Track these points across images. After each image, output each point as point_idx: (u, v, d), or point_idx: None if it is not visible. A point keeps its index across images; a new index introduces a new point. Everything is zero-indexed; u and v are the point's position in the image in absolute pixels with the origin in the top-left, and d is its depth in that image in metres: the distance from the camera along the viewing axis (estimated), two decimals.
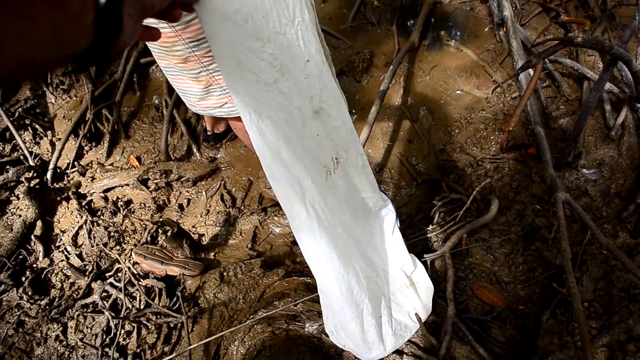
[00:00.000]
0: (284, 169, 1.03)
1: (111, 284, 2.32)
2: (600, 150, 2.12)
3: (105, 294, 2.32)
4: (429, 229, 2.03)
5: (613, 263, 1.68)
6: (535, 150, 2.18)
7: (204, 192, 2.66)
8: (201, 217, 2.60)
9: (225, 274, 2.22)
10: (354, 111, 2.69)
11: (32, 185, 2.69)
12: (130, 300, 2.27)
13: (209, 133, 2.68)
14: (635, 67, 1.71)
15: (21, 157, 2.84)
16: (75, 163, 2.84)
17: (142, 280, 2.30)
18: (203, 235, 2.51)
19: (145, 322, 2.16)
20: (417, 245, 2.05)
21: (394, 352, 1.71)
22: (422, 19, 2.79)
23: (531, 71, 2.26)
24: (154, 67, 3.06)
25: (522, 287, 1.76)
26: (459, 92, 2.61)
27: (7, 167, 2.81)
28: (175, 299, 2.16)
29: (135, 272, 2.34)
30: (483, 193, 2.08)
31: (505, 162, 2.22)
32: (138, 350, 2.16)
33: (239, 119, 1.05)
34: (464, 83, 2.63)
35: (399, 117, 2.62)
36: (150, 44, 1.24)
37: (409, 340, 1.71)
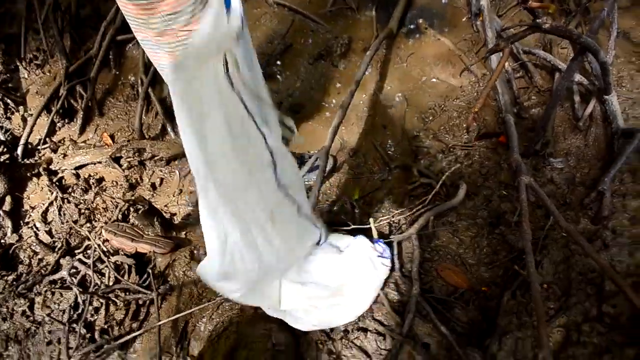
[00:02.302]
0: None
1: (80, 260, 2.31)
2: (567, 140, 2.16)
3: (74, 270, 2.31)
4: (397, 212, 2.05)
5: (573, 247, 1.72)
6: (505, 138, 2.21)
7: (177, 172, 2.66)
8: (173, 196, 2.59)
9: (195, 252, 2.23)
10: (331, 95, 2.70)
11: (1, 160, 2.65)
12: (99, 276, 2.27)
13: None
14: (602, 58, 1.75)
15: None
16: (47, 139, 2.81)
17: (111, 257, 2.29)
18: (175, 214, 2.51)
19: (114, 298, 2.16)
20: (385, 227, 2.08)
21: (358, 330, 1.74)
22: (402, 6, 2.81)
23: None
24: (130, 45, 3.04)
25: (486, 270, 1.80)
26: (434, 80, 2.64)
27: None
28: (145, 275, 2.16)
29: (105, 249, 2.33)
30: (452, 179, 2.11)
31: (476, 150, 2.26)
32: (106, 327, 2.16)
33: None
34: (440, 71, 2.66)
35: (374, 103, 2.64)
36: (127, 16, 1.23)
37: (372, 318, 1.74)
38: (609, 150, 2.03)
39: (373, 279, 1.85)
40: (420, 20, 2.83)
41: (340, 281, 1.83)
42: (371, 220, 1.96)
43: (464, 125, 2.36)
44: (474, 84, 2.57)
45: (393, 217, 2.01)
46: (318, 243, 1.78)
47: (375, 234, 1.91)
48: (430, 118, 2.54)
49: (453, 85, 2.60)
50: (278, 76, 2.85)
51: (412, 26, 2.84)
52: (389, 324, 1.74)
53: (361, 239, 1.92)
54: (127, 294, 2.19)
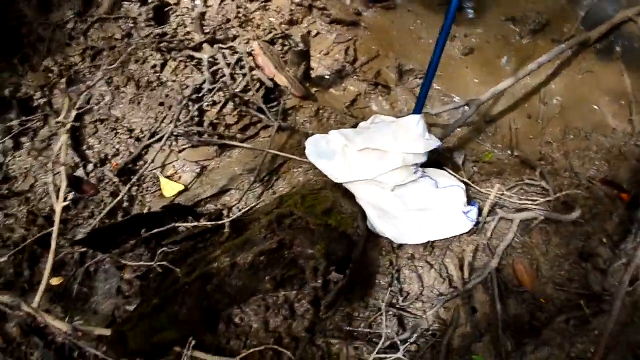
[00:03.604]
0: None
1: (223, 55, 2.43)
2: None
3: (212, 59, 2.43)
4: (505, 192, 2.15)
5: (636, 320, 1.84)
6: (628, 197, 2.28)
7: (334, 35, 2.73)
8: (319, 54, 2.69)
9: (321, 111, 2.35)
10: (501, 58, 2.73)
11: None
12: (231, 79, 2.39)
13: None
14: None
15: None
16: None
17: (251, 70, 2.40)
18: (312, 69, 2.60)
19: (237, 103, 2.29)
20: (482, 197, 2.19)
21: (425, 261, 1.90)
22: (610, 24, 2.77)
23: None
24: None
25: (552, 287, 1.93)
26: (595, 106, 2.65)
27: None
28: (276, 103, 2.29)
29: (245, 58, 2.44)
30: (566, 198, 2.19)
31: (597, 190, 2.32)
32: (215, 122, 2.31)
33: None
34: (605, 104, 2.67)
35: (532, 91, 2.67)
36: None
37: (442, 261, 1.90)
38: None
39: (451, 224, 1.99)
40: (618, 48, 2.80)
41: (427, 206, 1.99)
42: (497, 186, 2.06)
43: (598, 170, 2.40)
44: (627, 133, 2.59)
45: (504, 194, 2.11)
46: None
47: (490, 201, 2.02)
48: (571, 136, 2.58)
49: (608, 123, 2.62)
50: (466, 13, 2.85)
51: (607, 47, 2.81)
52: (453, 274, 1.89)
53: (458, 190, 2.05)
54: (249, 107, 2.32)
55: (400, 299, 1.83)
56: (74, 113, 2.05)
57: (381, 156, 1.95)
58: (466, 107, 2.33)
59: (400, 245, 1.99)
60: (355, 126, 2.21)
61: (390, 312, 1.79)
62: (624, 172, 2.43)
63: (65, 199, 1.70)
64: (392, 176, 1.95)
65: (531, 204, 2.09)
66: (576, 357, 1.72)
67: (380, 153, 1.92)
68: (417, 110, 1.98)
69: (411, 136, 1.95)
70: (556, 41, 2.77)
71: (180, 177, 2.21)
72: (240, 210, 2.04)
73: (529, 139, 2.57)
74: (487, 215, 2.03)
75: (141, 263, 1.74)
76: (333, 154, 2.03)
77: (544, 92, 2.66)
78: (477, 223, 2.02)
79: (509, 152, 2.51)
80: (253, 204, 2.04)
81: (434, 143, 1.99)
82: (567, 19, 2.82)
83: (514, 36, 2.80)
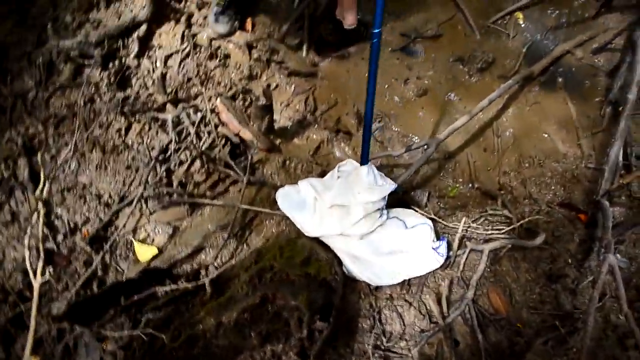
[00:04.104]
0: None
1: (187, 114, 2.48)
2: (637, 248, 2.35)
3: (176, 119, 2.47)
4: (472, 224, 2.24)
5: (609, 334, 1.93)
6: (585, 217, 2.40)
7: (293, 86, 2.82)
8: (280, 105, 2.76)
9: (287, 162, 2.41)
10: (453, 97, 2.86)
11: None
12: (197, 137, 2.44)
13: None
14: None
15: None
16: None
17: (216, 127, 2.46)
18: (275, 122, 2.67)
19: (204, 161, 2.33)
20: (450, 231, 2.27)
21: (404, 300, 1.95)
22: (551, 58, 2.95)
23: None
24: None
25: (527, 312, 2.01)
26: (545, 135, 2.80)
27: None
28: (243, 158, 2.34)
29: (209, 116, 2.49)
30: (529, 225, 2.30)
31: (556, 213, 2.43)
32: (183, 181, 2.34)
33: None
34: (554, 132, 2.82)
35: (485, 125, 2.80)
36: None
37: (420, 298, 1.95)
38: None
39: (423, 262, 2.06)
40: (560, 79, 2.98)
41: (395, 249, 2.05)
42: (464, 219, 2.15)
43: (555, 194, 2.53)
44: (577, 158, 2.73)
45: (471, 226, 2.20)
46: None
47: (459, 234, 2.10)
48: (527, 165, 2.71)
49: (558, 150, 2.77)
50: (416, 57, 3.00)
51: (549, 79, 2.98)
52: (432, 309, 1.94)
53: (426, 227, 2.13)
54: (217, 164, 2.36)
55: (385, 340, 1.86)
56: (46, 185, 2.03)
57: (347, 211, 2.02)
58: (426, 147, 2.43)
59: (378, 287, 2.04)
60: (322, 174, 2.28)
61: (377, 355, 1.83)
62: (579, 194, 2.56)
63: (42, 274, 1.68)
64: (358, 228, 2.02)
65: (497, 234, 2.18)
66: None
67: (345, 208, 1.99)
68: (364, 160, 2.06)
69: (365, 187, 2.02)
70: (503, 77, 2.93)
71: (153, 239, 2.22)
72: (217, 268, 2.05)
73: (487, 171, 2.69)
74: (458, 249, 2.11)
75: (124, 333, 1.72)
76: (304, 204, 2.09)
77: (496, 126, 2.79)
78: (447, 257, 2.09)
79: (469, 185, 2.62)
80: (230, 261, 2.05)
81: (388, 187, 2.06)
82: (511, 56, 2.99)
83: (464, 76, 2.94)
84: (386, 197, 2.09)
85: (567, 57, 3.00)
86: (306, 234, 2.04)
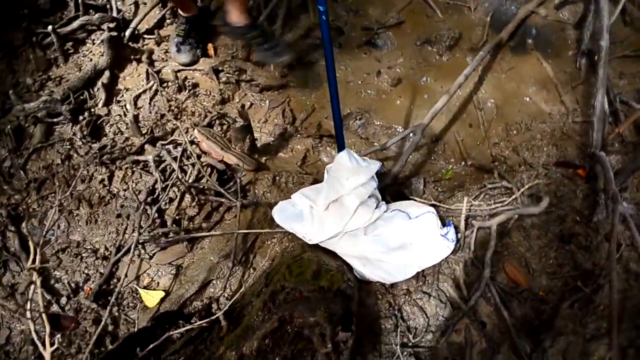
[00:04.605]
0: None
1: (168, 151, 2.43)
2: None
3: (158, 158, 2.42)
4: (475, 203, 2.20)
5: (632, 284, 1.89)
6: (584, 172, 2.37)
7: (267, 102, 2.78)
8: (258, 123, 2.73)
9: (277, 178, 2.37)
10: (428, 80, 2.84)
11: (110, 35, 2.75)
12: (181, 172, 2.39)
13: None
14: None
15: (107, 7, 2.90)
16: (155, 31, 2.91)
17: (198, 158, 2.41)
18: (257, 140, 2.63)
19: (194, 194, 2.28)
20: (454, 213, 2.23)
21: (422, 292, 1.90)
22: (516, 21, 2.93)
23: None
24: None
25: (547, 278, 1.97)
26: (527, 98, 2.78)
27: (91, 10, 2.87)
28: (232, 183, 2.30)
29: (189, 148, 2.45)
30: (530, 191, 2.26)
31: (554, 173, 2.40)
32: (177, 218, 2.29)
33: None
34: (534, 93, 2.80)
35: (466, 101, 2.78)
36: None
37: (437, 287, 1.91)
38: None
39: (434, 251, 2.02)
40: (530, 41, 2.96)
41: (403, 242, 2.01)
42: (465, 199, 2.11)
43: (549, 154, 2.50)
44: (563, 114, 2.71)
45: (473, 205, 2.16)
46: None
47: (463, 215, 2.06)
48: (515, 132, 2.68)
49: (543, 110, 2.75)
50: (382, 47, 2.97)
51: (519, 42, 2.96)
52: (452, 296, 1.90)
53: (430, 215, 2.09)
54: (207, 194, 2.32)
55: (411, 336, 1.82)
56: (37, 254, 1.98)
57: (340, 204, 1.97)
58: (412, 134, 2.39)
59: (393, 285, 1.99)
60: (314, 183, 2.24)
61: (406, 353, 1.78)
62: (573, 150, 2.54)
63: (52, 344, 1.62)
64: (357, 219, 1.97)
65: (501, 207, 2.14)
66: (592, 336, 1.74)
67: (338, 202, 1.95)
68: (341, 147, 2.07)
69: (350, 171, 1.99)
70: (473, 50, 2.91)
71: (158, 283, 2.17)
72: (229, 299, 2.00)
73: (477, 146, 2.66)
74: (465, 230, 2.07)
75: None
76: (301, 215, 2.04)
77: (477, 99, 2.77)
78: (457, 241, 2.05)
79: (463, 163, 2.59)
80: (239, 289, 2.00)
81: (373, 166, 2.04)
82: (477, 28, 2.98)
83: (434, 56, 2.92)
84: (376, 180, 2.07)
85: (532, 17, 2.98)
86: (310, 243, 2.00)
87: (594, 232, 2.05)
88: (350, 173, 1.99)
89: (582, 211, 2.20)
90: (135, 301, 2.15)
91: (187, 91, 2.74)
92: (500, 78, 2.86)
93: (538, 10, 2.96)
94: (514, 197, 2.18)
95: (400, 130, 2.62)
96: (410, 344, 1.80)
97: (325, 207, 1.96)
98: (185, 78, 2.78)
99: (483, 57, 2.68)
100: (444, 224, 2.08)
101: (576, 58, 2.88)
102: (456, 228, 2.08)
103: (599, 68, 2.51)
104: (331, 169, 2.08)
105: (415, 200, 2.20)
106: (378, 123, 2.70)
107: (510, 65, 2.90)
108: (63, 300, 2.17)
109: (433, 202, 2.18)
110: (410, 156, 2.52)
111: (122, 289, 2.15)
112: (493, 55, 2.91)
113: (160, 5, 2.94)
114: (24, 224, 2.20)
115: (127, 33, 2.84)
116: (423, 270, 1.98)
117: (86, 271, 2.25)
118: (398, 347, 1.74)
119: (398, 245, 2.01)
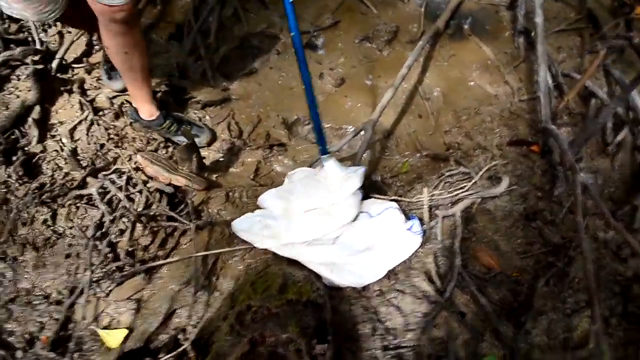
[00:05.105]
0: None
1: (111, 181, 2.30)
2: (595, 161, 2.33)
3: (102, 189, 2.29)
4: (435, 193, 2.16)
5: (603, 251, 1.88)
6: (539, 148, 2.37)
7: (211, 117, 2.68)
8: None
9: (230, 194, 2.28)
10: (371, 76, 2.80)
11: (36, 68, 2.60)
12: (129, 201, 2.26)
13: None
14: None
15: (29, 40, 2.75)
16: (84, 59, 2.78)
17: (145, 184, 2.29)
18: (205, 158, 2.53)
19: (145, 222, 2.16)
20: (416, 206, 2.19)
21: (395, 290, 1.84)
22: (450, 9, 2.93)
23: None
24: None
25: (518, 258, 1.94)
26: (472, 83, 2.78)
27: (12, 45, 2.71)
28: (183, 205, 2.19)
29: (134, 175, 2.33)
30: (488, 174, 2.24)
31: (509, 153, 2.39)
32: (130, 250, 2.16)
33: None
34: (478, 77, 2.80)
35: (412, 93, 2.75)
36: None
37: (410, 282, 1.85)
38: (635, 176, 2.21)
39: (402, 246, 1.96)
40: (466, 26, 2.97)
41: (369, 242, 1.95)
42: (425, 190, 2.06)
43: (501, 135, 2.49)
44: (508, 94, 2.72)
45: (434, 195, 2.12)
46: None
47: (426, 206, 2.02)
48: (464, 117, 2.67)
49: (489, 92, 2.75)
50: (321, 49, 2.92)
51: (457, 29, 2.97)
52: (426, 290, 1.84)
53: (393, 211, 2.03)
54: (158, 221, 2.20)
55: (391, 338, 1.75)
56: None
57: (327, 212, 1.96)
58: (362, 132, 2.34)
59: (365, 287, 1.92)
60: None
61: (388, 356, 1.70)
62: (524, 128, 2.54)
63: None
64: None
65: (462, 192, 2.10)
66: (573, 311, 1.71)
67: (324, 211, 1.94)
68: (323, 150, 1.98)
69: (342, 178, 1.98)
70: (412, 42, 2.89)
71: (119, 321, 2.02)
72: (195, 327, 1.89)
73: (430, 135, 2.64)
74: (430, 221, 2.02)
75: None
76: (271, 219, 2.02)
77: (423, 90, 2.75)
78: (424, 233, 1.99)
79: (418, 155, 2.55)
80: (205, 315, 1.89)
81: (360, 170, 2.04)
82: (413, 20, 2.97)
83: (374, 52, 2.89)
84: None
85: (466, 3, 3.00)
86: (281, 250, 1.94)
87: (557, 206, 2.04)
88: (343, 180, 1.97)
89: (543, 187, 2.19)
90: (96, 344, 2.00)
91: (125, 117, 2.60)
92: (443, 66, 2.85)
93: None
94: (473, 181, 2.15)
95: (351, 130, 2.56)
96: (391, 346, 1.73)
97: (304, 211, 1.94)
98: (122, 104, 2.65)
99: (422, 47, 2.65)
100: (407, 218, 2.03)
101: (514, 38, 2.90)
102: (420, 220, 2.02)
103: (537, 45, 2.52)
104: (302, 179, 2.05)
105: (375, 198, 2.14)
106: (327, 125, 2.63)
107: (451, 52, 2.90)
108: (19, 354, 1.99)
109: (393, 197, 2.12)
110: (365, 154, 2.47)
111: (80, 332, 2.00)
112: (432, 45, 2.90)
113: (86, 32, 2.79)
114: None
115: (54, 64, 2.69)
116: (394, 268, 1.91)
117: (40, 319, 2.08)
118: (379, 351, 1.66)
119: (364, 246, 1.95)
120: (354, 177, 2.00)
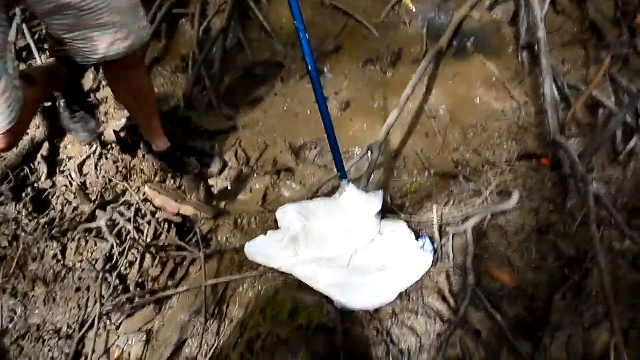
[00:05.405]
0: None
1: (120, 213, 2.31)
2: (606, 171, 2.29)
3: (111, 222, 2.30)
4: (445, 211, 2.13)
5: (619, 262, 1.83)
6: (548, 160, 2.33)
7: (217, 147, 2.69)
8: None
9: (239, 221, 2.26)
10: (376, 98, 2.80)
11: (45, 106, 2.64)
12: (138, 232, 2.26)
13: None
14: None
15: None
16: (91, 95, 2.81)
17: (156, 215, 2.29)
18: (212, 186, 2.53)
19: (154, 253, 2.15)
20: (426, 225, 2.16)
21: (408, 311, 1.80)
22: (452, 28, 2.94)
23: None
24: (183, 20, 3.09)
25: (533, 273, 1.89)
26: (478, 100, 2.76)
27: None
28: (192, 235, 2.18)
29: (143, 207, 2.33)
30: (499, 189, 2.21)
31: (518, 167, 2.36)
32: (140, 281, 2.15)
33: None
34: (484, 93, 2.78)
35: (419, 112, 2.74)
36: None
37: (423, 302, 1.81)
38: None
39: (414, 266, 1.93)
40: (469, 44, 2.97)
41: (382, 262, 1.93)
42: (435, 208, 2.03)
43: (510, 151, 2.47)
44: (515, 109, 2.70)
45: (444, 213, 2.09)
46: None
47: (436, 224, 1.99)
48: (472, 135, 2.65)
49: (495, 108, 2.73)
50: (327, 74, 2.93)
51: (460, 48, 2.97)
52: (440, 309, 1.80)
53: (404, 230, 2.01)
54: (168, 251, 2.19)
55: (405, 359, 1.70)
56: None
57: (349, 231, 2.02)
58: (369, 153, 2.33)
59: (377, 309, 1.88)
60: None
61: None
62: (532, 142, 2.51)
63: None
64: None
65: (473, 209, 2.07)
66: (592, 324, 1.66)
67: (345, 231, 2.00)
68: (343, 174, 2.03)
69: (363, 202, 2.01)
70: (416, 63, 2.89)
71: (129, 353, 2.01)
72: (205, 357, 1.86)
73: (438, 154, 2.61)
74: (441, 239, 1.98)
75: None
76: (289, 236, 2.04)
77: (428, 109, 2.73)
78: (435, 251, 1.96)
79: (426, 174, 2.53)
80: (215, 344, 1.86)
81: (380, 194, 2.08)
82: (415, 41, 2.97)
83: (378, 75, 2.89)
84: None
85: (467, 22, 3.00)
86: (294, 268, 1.95)
87: (570, 218, 1.99)
88: (364, 203, 2.01)
89: (555, 199, 2.15)
90: None
91: (133, 150, 2.62)
92: (448, 85, 2.84)
93: (471, 14, 2.97)
94: (483, 197, 2.12)
95: (358, 153, 2.54)
96: None
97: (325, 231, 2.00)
98: (129, 137, 2.67)
99: (426, 67, 2.65)
100: (418, 237, 2.00)
101: (517, 54, 2.89)
102: (431, 239, 1.99)
103: (541, 59, 2.51)
104: (338, 201, 2.08)
105: (386, 218, 2.11)
106: None
107: (455, 71, 2.89)
108: None
109: (403, 216, 2.10)
110: (373, 176, 2.44)
111: None
112: (436, 64, 2.89)
113: (93, 68, 2.84)
114: None
115: (62, 102, 2.71)
116: (406, 289, 1.87)
117: (51, 354, 2.08)
118: None
119: (377, 267, 1.93)
120: (375, 200, 2.03)
